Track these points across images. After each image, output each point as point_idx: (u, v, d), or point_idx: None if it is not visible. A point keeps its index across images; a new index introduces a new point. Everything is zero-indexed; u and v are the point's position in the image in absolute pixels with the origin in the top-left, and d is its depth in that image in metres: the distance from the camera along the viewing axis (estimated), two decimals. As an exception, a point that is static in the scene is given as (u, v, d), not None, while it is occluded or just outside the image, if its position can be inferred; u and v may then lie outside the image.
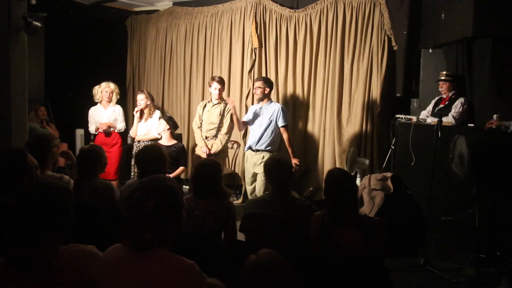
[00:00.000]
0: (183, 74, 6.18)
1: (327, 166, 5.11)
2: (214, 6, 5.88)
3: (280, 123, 4.41)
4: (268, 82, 4.52)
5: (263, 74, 5.50)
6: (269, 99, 4.54)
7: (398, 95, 4.81)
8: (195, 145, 5.06)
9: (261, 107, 4.50)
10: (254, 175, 4.46)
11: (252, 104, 5.50)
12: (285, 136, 4.45)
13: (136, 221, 1.46)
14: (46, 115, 6.09)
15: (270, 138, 4.42)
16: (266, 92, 4.47)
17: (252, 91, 4.58)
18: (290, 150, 4.45)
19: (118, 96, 5.36)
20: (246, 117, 4.65)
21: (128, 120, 5.97)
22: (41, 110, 5.97)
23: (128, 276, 1.44)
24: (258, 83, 4.48)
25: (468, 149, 3.46)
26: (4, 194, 2.19)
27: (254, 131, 4.50)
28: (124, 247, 1.50)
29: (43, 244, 1.41)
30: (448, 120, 3.96)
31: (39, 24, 4.13)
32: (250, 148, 4.53)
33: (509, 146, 3.59)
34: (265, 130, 4.41)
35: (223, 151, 4.76)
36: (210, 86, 4.67)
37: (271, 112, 4.42)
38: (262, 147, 4.41)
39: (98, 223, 2.56)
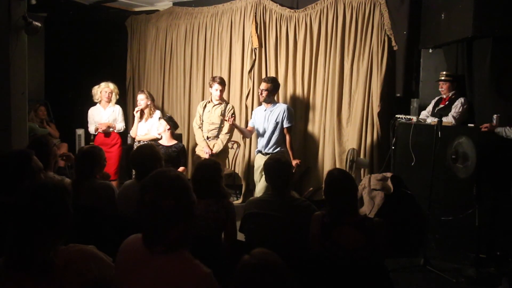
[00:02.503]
0: (183, 74, 6.18)
1: (327, 166, 5.11)
2: (214, 6, 5.88)
3: (286, 124, 4.35)
4: (274, 83, 4.45)
5: (263, 74, 5.49)
6: (275, 101, 4.51)
7: (398, 95, 4.81)
8: (195, 145, 5.06)
9: (265, 109, 4.45)
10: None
11: (252, 104, 5.51)
12: (287, 137, 4.39)
13: (157, 222, 1.41)
14: (46, 115, 6.09)
15: (279, 140, 4.38)
16: (272, 94, 4.42)
17: (258, 92, 4.52)
18: (290, 153, 4.40)
19: (118, 96, 5.35)
20: (251, 123, 4.61)
21: (128, 120, 5.97)
22: (41, 110, 5.97)
23: (144, 273, 1.43)
24: (264, 85, 4.38)
25: (475, 148, 3.46)
26: (6, 194, 2.19)
27: (262, 135, 4.43)
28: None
29: (43, 244, 1.41)
30: (448, 120, 3.96)
31: (39, 24, 4.13)
32: (259, 152, 4.49)
33: (508, 147, 3.60)
34: (273, 132, 4.35)
35: (224, 151, 4.75)
36: (211, 87, 4.66)
37: (276, 114, 4.37)
38: (271, 150, 4.36)
39: (97, 223, 2.56)
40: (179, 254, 1.44)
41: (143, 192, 1.45)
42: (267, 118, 4.40)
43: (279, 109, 4.38)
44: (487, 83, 3.92)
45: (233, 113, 4.69)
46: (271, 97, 4.43)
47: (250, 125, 4.64)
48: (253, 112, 4.80)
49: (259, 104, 5.24)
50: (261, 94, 4.39)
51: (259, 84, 5.46)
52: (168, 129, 4.49)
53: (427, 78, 4.66)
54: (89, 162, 2.92)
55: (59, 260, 1.43)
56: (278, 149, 4.37)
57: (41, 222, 1.42)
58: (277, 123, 4.35)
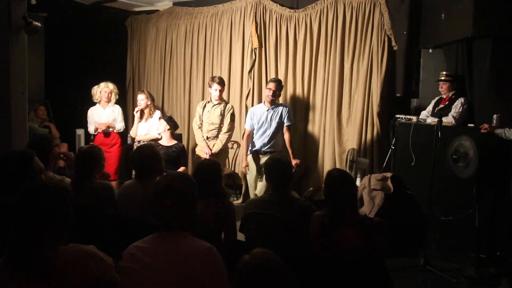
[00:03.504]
0: (183, 74, 6.18)
1: (327, 166, 5.11)
2: (214, 6, 5.87)
3: (286, 122, 4.44)
4: (281, 85, 4.56)
5: (263, 74, 5.50)
6: (277, 101, 4.56)
7: (398, 95, 4.81)
8: (195, 145, 5.06)
9: (268, 109, 4.49)
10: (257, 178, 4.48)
11: (252, 104, 5.50)
12: (287, 135, 4.45)
13: (169, 204, 1.70)
14: (46, 115, 6.08)
15: (279, 140, 4.46)
16: (279, 95, 4.53)
17: (267, 92, 4.54)
18: (290, 151, 4.44)
19: (117, 96, 5.35)
20: (250, 126, 4.58)
21: (128, 120, 5.96)
22: (40, 109, 5.96)
23: (157, 253, 1.64)
24: (274, 86, 4.45)
25: (477, 149, 3.46)
26: (6, 194, 2.19)
27: (262, 134, 4.46)
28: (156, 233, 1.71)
29: (44, 245, 1.41)
30: (448, 120, 3.96)
31: (39, 24, 4.12)
32: (256, 151, 4.50)
33: (508, 148, 3.59)
34: (276, 132, 4.43)
35: (224, 151, 4.75)
36: (210, 87, 4.67)
37: (279, 114, 4.44)
38: (271, 149, 4.41)
39: (97, 223, 2.55)
40: (183, 234, 1.69)
41: (159, 181, 1.79)
42: (270, 117, 4.45)
43: (281, 109, 4.47)
44: (487, 83, 3.92)
45: (232, 113, 4.69)
46: (277, 98, 4.53)
47: (248, 128, 4.60)
48: (249, 112, 4.75)
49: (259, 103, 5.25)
50: (272, 95, 4.45)
51: (259, 84, 5.48)
52: (168, 129, 4.49)
53: (427, 78, 4.66)
54: (88, 162, 2.92)
55: (59, 260, 1.43)
56: (277, 148, 4.41)
57: (42, 222, 1.42)
58: (279, 123, 4.42)
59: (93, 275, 1.47)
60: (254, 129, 4.56)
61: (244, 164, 4.62)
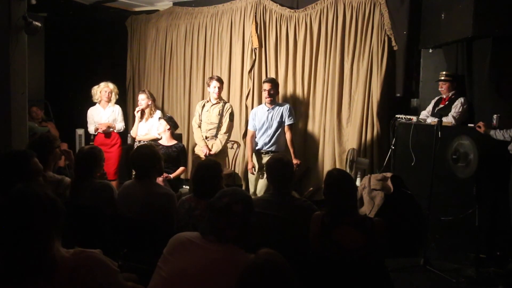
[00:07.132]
0: (183, 74, 6.18)
1: (327, 166, 5.10)
2: (214, 6, 5.88)
3: (288, 121, 4.44)
4: (276, 83, 4.56)
5: (263, 74, 5.49)
6: (276, 100, 4.56)
7: (398, 95, 4.81)
8: (195, 145, 5.06)
9: (268, 109, 4.50)
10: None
11: (252, 104, 5.50)
12: (288, 135, 4.46)
13: (223, 222, 1.70)
14: (42, 114, 6.04)
15: (281, 139, 4.46)
16: (276, 93, 4.52)
17: (263, 94, 4.55)
18: (291, 150, 4.45)
19: (117, 96, 5.35)
20: (252, 126, 4.59)
21: (128, 120, 5.96)
22: (33, 111, 5.84)
23: (198, 255, 1.66)
24: (268, 85, 4.45)
25: (476, 149, 3.46)
26: (1, 195, 2.18)
27: (263, 133, 4.48)
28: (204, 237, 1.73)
29: (34, 243, 1.38)
30: (448, 120, 3.96)
31: (39, 24, 4.13)
32: (258, 151, 4.52)
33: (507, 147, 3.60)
34: (276, 131, 4.44)
35: (223, 151, 4.75)
36: (208, 85, 4.67)
37: (280, 113, 4.45)
38: (272, 148, 4.43)
39: (97, 223, 2.56)
40: (232, 246, 1.69)
41: (221, 196, 1.77)
42: (271, 117, 4.47)
43: (282, 108, 4.47)
44: (487, 83, 3.92)
45: (231, 112, 4.69)
46: (275, 97, 4.52)
47: (251, 128, 4.61)
48: (251, 113, 4.75)
49: (259, 104, 5.25)
50: (268, 95, 4.46)
51: (259, 84, 5.47)
52: (168, 129, 4.50)
53: (427, 78, 4.66)
54: (88, 163, 2.92)
55: (65, 265, 1.41)
56: (278, 148, 4.42)
57: (24, 222, 1.38)
58: (280, 122, 4.43)
59: (99, 282, 1.45)
60: (256, 129, 4.56)
61: (250, 165, 4.58)
